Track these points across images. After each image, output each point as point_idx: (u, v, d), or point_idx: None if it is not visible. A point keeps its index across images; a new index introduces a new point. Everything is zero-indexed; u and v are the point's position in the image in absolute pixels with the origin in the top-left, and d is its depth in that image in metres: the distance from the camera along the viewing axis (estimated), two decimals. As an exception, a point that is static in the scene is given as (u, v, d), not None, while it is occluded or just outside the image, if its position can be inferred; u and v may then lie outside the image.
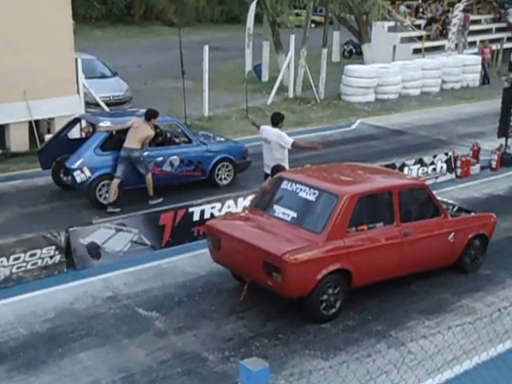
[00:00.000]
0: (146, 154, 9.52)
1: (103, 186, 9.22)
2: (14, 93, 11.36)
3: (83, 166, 9.07)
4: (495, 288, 7.23)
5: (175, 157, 9.80)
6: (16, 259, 7.14)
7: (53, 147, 9.97)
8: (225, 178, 10.40)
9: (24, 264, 7.19)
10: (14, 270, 7.13)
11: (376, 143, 13.67)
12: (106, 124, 9.28)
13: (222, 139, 11.09)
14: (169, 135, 10.38)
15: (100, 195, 9.21)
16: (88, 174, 9.08)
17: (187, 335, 6.16)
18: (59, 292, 7.00)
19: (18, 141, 11.81)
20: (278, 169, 7.71)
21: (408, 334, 6.20)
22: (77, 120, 10.41)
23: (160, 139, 10.22)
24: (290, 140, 8.34)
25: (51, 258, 7.35)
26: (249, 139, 11.95)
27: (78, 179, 9.08)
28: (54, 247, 7.35)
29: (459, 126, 15.21)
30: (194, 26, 32.17)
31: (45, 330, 6.23)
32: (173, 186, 9.91)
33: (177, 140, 10.24)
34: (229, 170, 10.42)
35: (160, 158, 9.67)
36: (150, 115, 9.29)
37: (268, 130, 8.57)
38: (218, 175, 10.31)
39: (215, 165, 10.21)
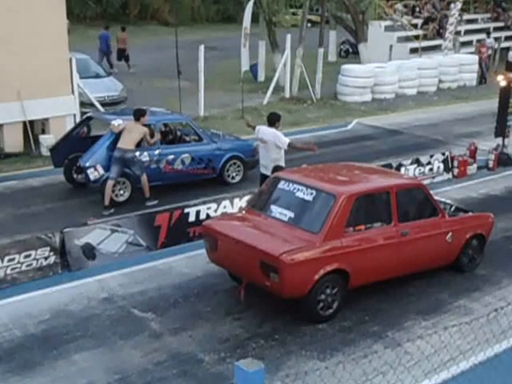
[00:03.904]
0: (157, 152, 9.59)
1: (117, 183, 9.24)
2: (7, 93, 11.31)
3: (96, 164, 9.10)
4: (492, 288, 7.22)
5: (186, 155, 9.86)
6: (10, 260, 7.10)
7: (65, 145, 10.01)
8: (234, 176, 10.45)
9: (18, 265, 7.15)
10: (8, 272, 7.09)
11: (372, 143, 13.65)
12: (117, 122, 9.31)
13: (232, 137, 11.17)
14: (179, 133, 10.45)
15: (113, 192, 9.20)
16: (101, 171, 9.13)
17: (183, 336, 6.13)
18: (54, 293, 6.97)
19: (12, 141, 11.76)
20: (278, 169, 7.68)
21: (405, 335, 6.18)
22: (88, 118, 10.41)
23: (171, 137, 10.27)
24: (287, 140, 8.31)
25: (46, 259, 7.31)
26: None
27: (92, 177, 9.12)
28: (48, 248, 7.31)
29: (456, 125, 15.20)
30: (189, 25, 32.09)
31: (39, 331, 6.20)
32: (183, 184, 9.99)
33: (187, 138, 10.33)
34: (238, 168, 10.49)
35: (171, 156, 9.73)
36: (139, 115, 9.31)
37: (264, 130, 8.54)
38: (228, 173, 10.36)
39: (225, 162, 10.29)
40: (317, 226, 6.31)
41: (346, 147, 13.13)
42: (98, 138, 9.78)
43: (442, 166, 11.13)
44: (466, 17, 25.03)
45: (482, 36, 23.30)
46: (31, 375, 5.53)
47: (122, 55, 20.79)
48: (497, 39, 23.84)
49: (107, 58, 20.33)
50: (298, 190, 6.64)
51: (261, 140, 8.60)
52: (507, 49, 22.98)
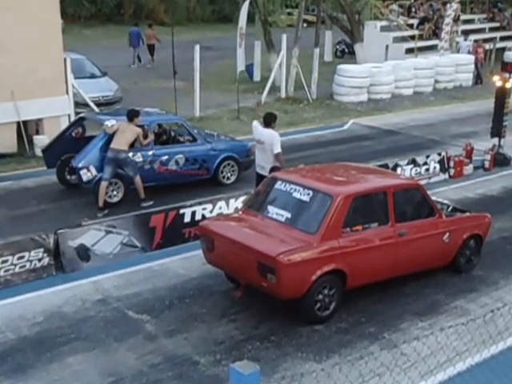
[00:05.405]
0: (150, 152, 9.56)
1: (110, 184, 9.19)
2: (1, 93, 11.23)
3: (89, 165, 9.06)
4: (488, 289, 7.20)
5: (180, 155, 9.82)
6: (4, 262, 7.04)
7: (57, 146, 9.96)
8: (229, 177, 10.42)
9: (12, 267, 7.08)
10: (1, 273, 7.03)
11: (369, 143, 13.63)
12: (111, 123, 9.26)
13: (226, 138, 11.14)
14: (173, 134, 10.41)
15: (106, 193, 9.15)
16: (94, 172, 9.09)
17: (178, 338, 6.08)
18: (48, 295, 6.91)
19: (6, 142, 11.66)
20: (275, 170, 7.65)
21: (401, 336, 6.15)
22: (81, 119, 10.35)
23: (164, 138, 10.24)
24: (279, 150, 8.22)
25: (40, 260, 7.24)
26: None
27: (85, 178, 9.07)
28: (42, 250, 7.25)
29: (452, 125, 15.19)
30: (184, 25, 32.07)
31: (33, 333, 6.14)
32: (177, 184, 9.94)
33: (181, 139, 10.29)
34: (233, 169, 10.45)
35: (165, 157, 9.69)
36: (132, 115, 9.26)
37: (261, 131, 8.49)
38: (222, 174, 10.33)
39: (220, 163, 10.26)
40: (314, 226, 6.27)
41: (343, 147, 13.10)
42: (91, 138, 9.72)
43: (438, 166, 11.11)
44: (462, 17, 25.05)
45: (479, 36, 23.34)
46: (24, 378, 5.48)
47: (152, 51, 22.00)
48: (492, 39, 23.90)
49: (136, 53, 21.79)
50: (295, 190, 6.60)
51: (257, 141, 8.56)
52: (503, 49, 23.01)
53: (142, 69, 21.55)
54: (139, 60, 21.97)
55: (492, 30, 25.87)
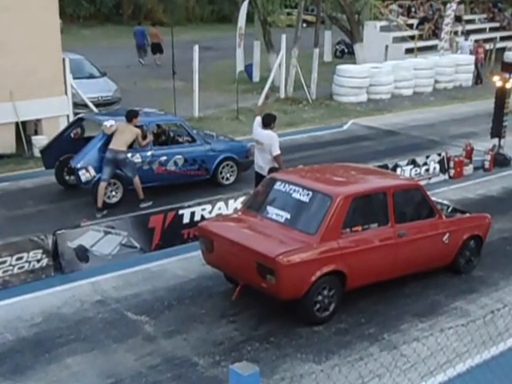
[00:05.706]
0: (149, 153, 9.54)
1: (108, 184, 9.17)
2: (0, 93, 11.20)
3: (88, 166, 9.05)
4: (489, 290, 7.18)
5: (179, 156, 9.80)
6: (2, 263, 7.02)
7: (56, 147, 9.95)
8: (228, 177, 10.41)
9: (10, 268, 7.06)
10: (0, 274, 6.99)
11: (368, 144, 13.61)
12: (110, 123, 9.24)
13: (226, 138, 11.13)
14: (172, 134, 10.40)
15: (105, 194, 9.13)
16: (93, 173, 9.08)
17: (177, 339, 6.06)
18: (46, 296, 6.89)
19: (5, 142, 11.64)
20: (274, 170, 7.65)
21: (401, 337, 6.14)
22: (80, 120, 10.34)
23: (163, 138, 10.22)
24: (278, 152, 8.22)
25: (38, 261, 7.22)
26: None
27: (83, 178, 9.06)
28: (41, 251, 7.23)
29: (452, 126, 15.18)
30: (183, 25, 32.05)
31: (32, 334, 6.12)
32: (176, 185, 9.93)
33: (180, 139, 10.28)
34: (232, 169, 10.44)
35: (164, 158, 9.68)
36: (131, 116, 9.25)
37: (260, 132, 8.49)
38: (221, 174, 10.32)
39: (219, 164, 10.24)
40: (313, 227, 6.26)
41: (342, 148, 13.09)
42: (89, 139, 9.70)
43: (437, 166, 11.09)
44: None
45: (479, 36, 23.34)
46: (23, 379, 5.46)
47: (157, 49, 22.05)
48: (492, 39, 23.91)
49: (139, 52, 22.01)
50: (295, 190, 6.59)
51: (256, 142, 8.56)
52: (503, 49, 23.01)
53: (142, 69, 21.53)
54: (141, 62, 22.00)
55: (492, 29, 25.87)
